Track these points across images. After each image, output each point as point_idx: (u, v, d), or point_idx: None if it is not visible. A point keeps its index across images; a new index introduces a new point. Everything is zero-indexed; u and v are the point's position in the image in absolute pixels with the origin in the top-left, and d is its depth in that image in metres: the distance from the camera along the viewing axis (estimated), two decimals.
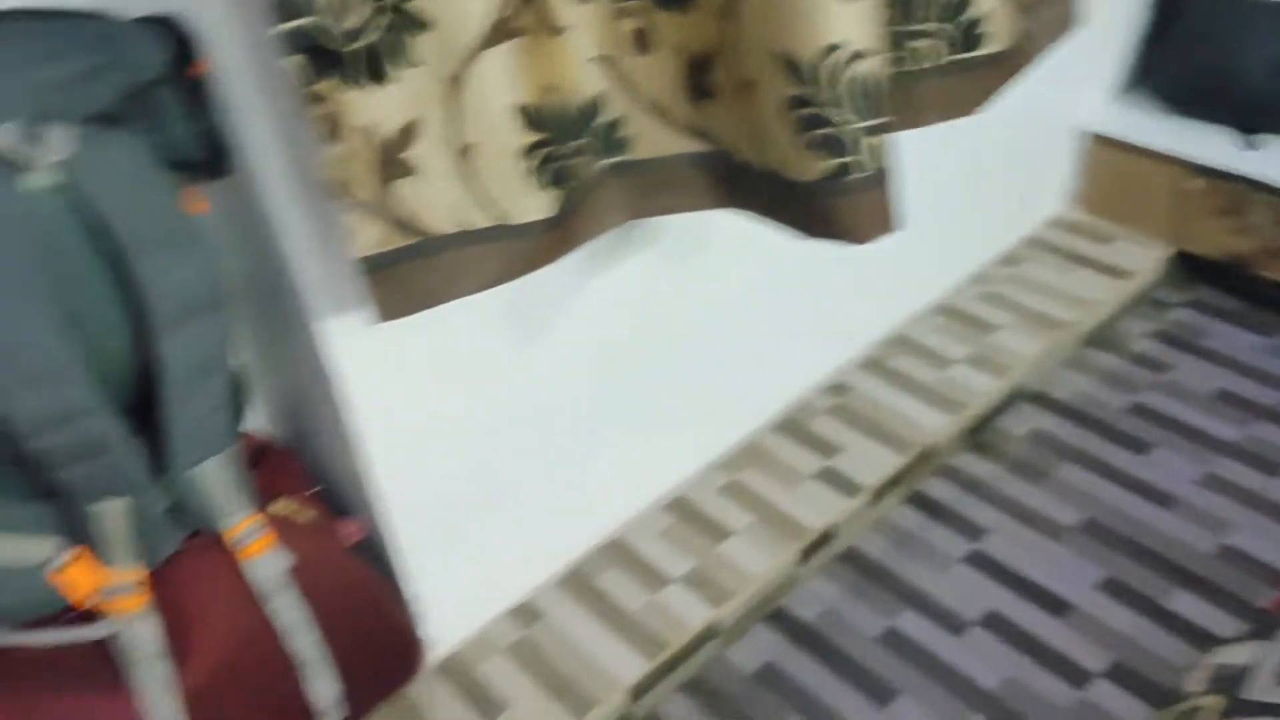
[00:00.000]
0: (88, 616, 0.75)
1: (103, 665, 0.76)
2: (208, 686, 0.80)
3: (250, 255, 0.83)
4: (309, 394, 0.91)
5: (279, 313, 0.85)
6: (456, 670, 1.01)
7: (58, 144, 0.63)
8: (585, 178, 0.76)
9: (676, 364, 1.10)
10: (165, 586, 0.77)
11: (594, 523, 1.12)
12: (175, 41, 0.69)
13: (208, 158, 0.73)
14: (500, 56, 0.69)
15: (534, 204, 0.74)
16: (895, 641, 1.07)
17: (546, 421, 1.01)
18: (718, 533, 1.13)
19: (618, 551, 1.12)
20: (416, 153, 0.68)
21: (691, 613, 1.05)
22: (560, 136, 0.73)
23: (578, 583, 1.09)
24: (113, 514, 0.72)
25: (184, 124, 0.71)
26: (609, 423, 1.07)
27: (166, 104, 0.70)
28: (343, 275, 0.80)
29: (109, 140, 0.65)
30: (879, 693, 1.02)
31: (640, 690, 1.00)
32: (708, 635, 1.05)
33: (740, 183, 0.79)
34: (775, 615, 1.11)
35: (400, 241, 0.70)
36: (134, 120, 0.68)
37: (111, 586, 0.74)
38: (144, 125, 0.68)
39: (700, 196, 0.81)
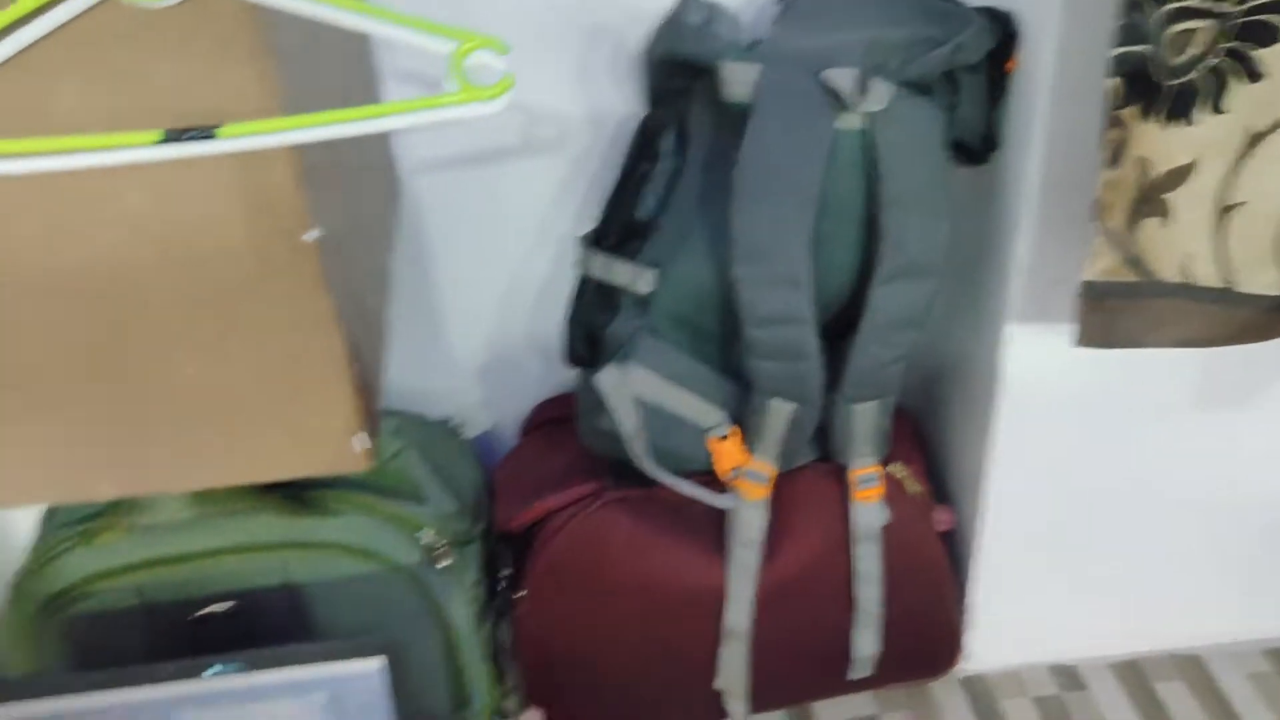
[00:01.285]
0: (717, 486, 0.87)
1: (712, 530, 0.88)
2: (778, 589, 0.89)
3: (967, 236, 0.87)
4: (958, 375, 0.95)
5: (969, 293, 0.90)
6: (979, 693, 1.01)
7: (876, 96, 0.72)
8: None
9: None
10: (783, 490, 0.87)
11: (1174, 627, 1.04)
12: (1002, 35, 0.75)
13: (978, 144, 0.79)
14: None
15: (1272, 278, 0.69)
16: None
17: (1172, 501, 0.95)
18: None
19: (1192, 669, 1.02)
20: (1177, 196, 0.67)
21: None
22: None
23: (1134, 676, 1.02)
24: (778, 412, 0.82)
25: (975, 110, 0.77)
26: (1229, 538, 0.97)
27: (969, 88, 0.76)
28: (1047, 284, 0.82)
29: (915, 104, 0.73)
30: None
31: None
32: None
33: None
34: None
35: (1125, 276, 0.70)
36: (937, 94, 0.75)
37: (746, 469, 0.85)
38: (943, 101, 0.75)
39: None
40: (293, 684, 0.73)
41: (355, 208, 0.74)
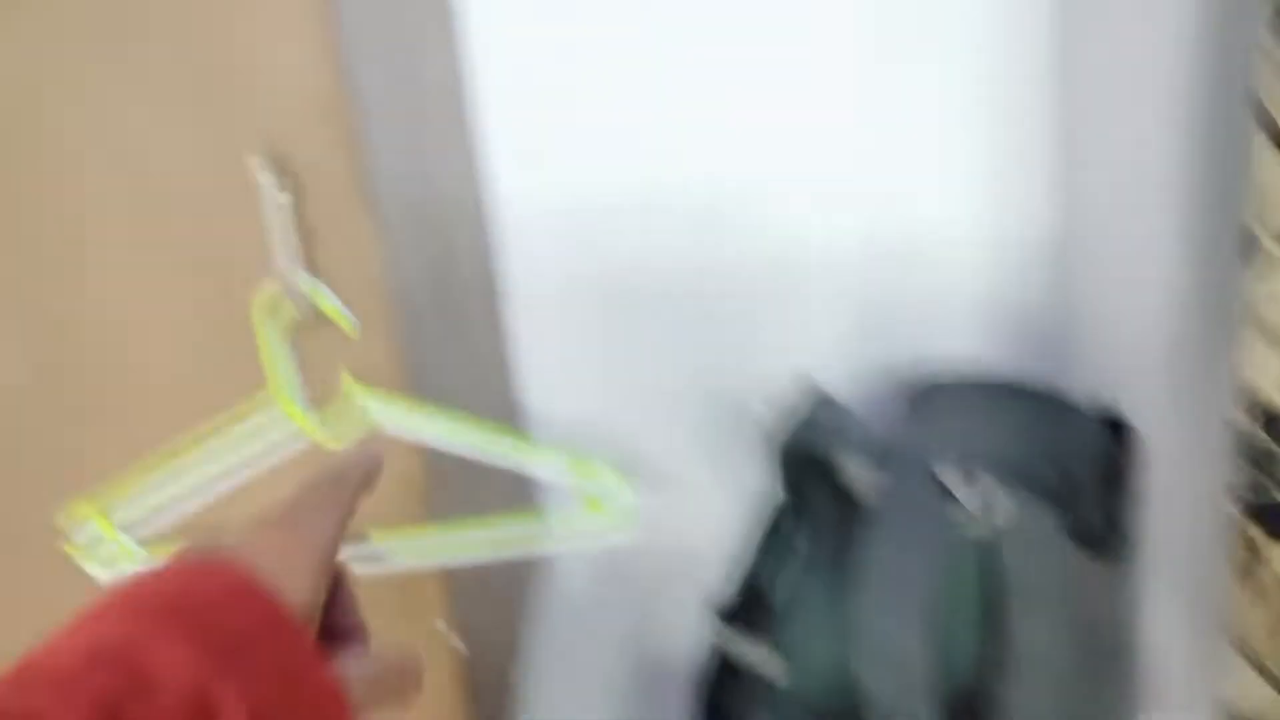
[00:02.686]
0: None
1: None
2: None
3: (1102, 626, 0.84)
4: None
5: (1106, 685, 0.85)
6: None
7: (994, 505, 0.73)
8: None
9: None
10: None
11: None
12: (1117, 436, 0.76)
13: (1100, 545, 0.78)
14: None
15: None
16: None
17: None
18: None
19: None
20: None
21: None
22: None
23: None
24: None
25: (1095, 508, 0.77)
26: None
27: (1087, 486, 0.77)
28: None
29: (1034, 513, 0.74)
30: None
31: None
32: None
33: None
34: None
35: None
36: (1057, 499, 0.76)
37: None
38: (1063, 502, 0.76)
39: None
40: None
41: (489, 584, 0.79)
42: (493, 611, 0.79)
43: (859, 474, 0.79)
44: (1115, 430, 0.77)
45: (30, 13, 0.53)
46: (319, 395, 0.59)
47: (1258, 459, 0.64)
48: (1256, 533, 0.64)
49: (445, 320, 0.70)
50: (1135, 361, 0.82)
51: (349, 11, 0.54)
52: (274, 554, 0.25)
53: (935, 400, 0.84)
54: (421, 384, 0.62)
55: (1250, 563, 0.65)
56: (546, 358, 0.95)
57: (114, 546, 0.60)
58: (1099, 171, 0.83)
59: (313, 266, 0.56)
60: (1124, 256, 0.84)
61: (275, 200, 0.53)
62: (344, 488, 0.28)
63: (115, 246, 0.56)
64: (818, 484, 0.84)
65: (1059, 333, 0.90)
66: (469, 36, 0.85)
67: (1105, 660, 0.85)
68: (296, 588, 0.25)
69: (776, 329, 0.92)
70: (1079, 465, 0.75)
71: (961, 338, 0.91)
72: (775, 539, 0.87)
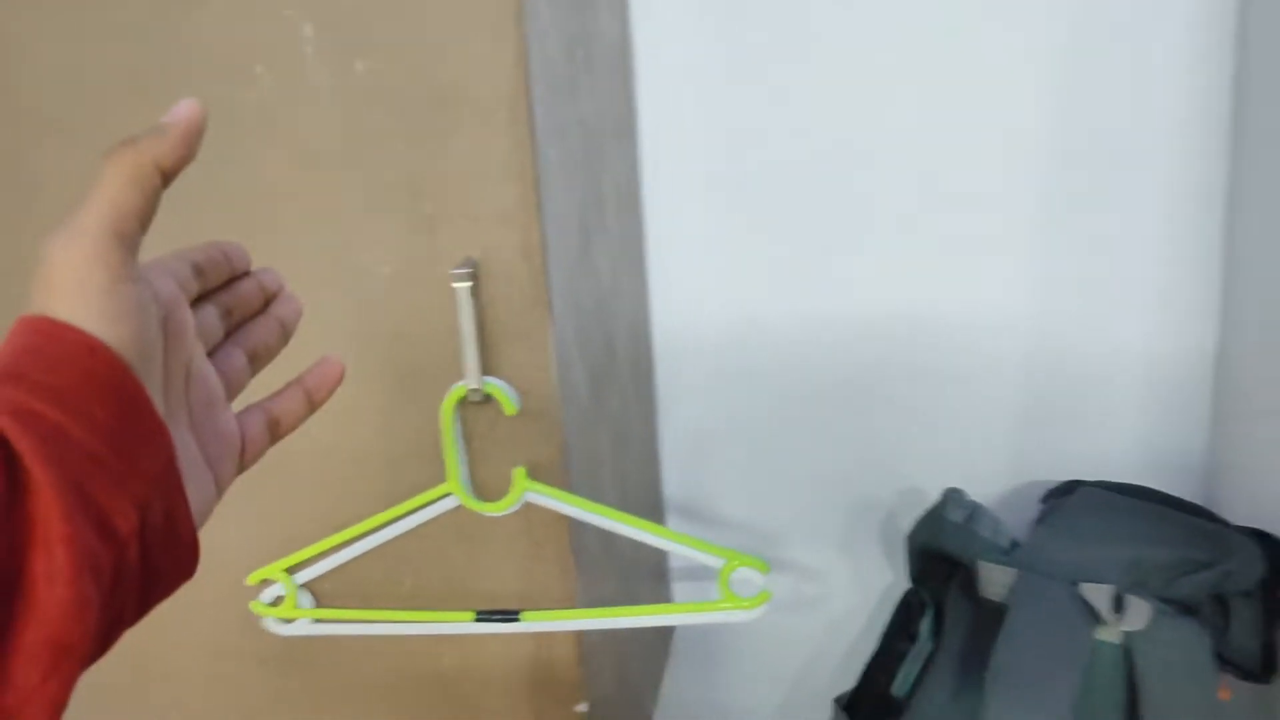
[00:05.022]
0: None
1: None
2: None
3: None
4: None
5: None
6: None
7: (1135, 615, 0.73)
8: None
9: None
10: None
11: None
12: (1275, 560, 0.74)
13: (1256, 667, 0.76)
14: None
15: None
16: None
17: None
18: None
19: None
20: None
21: None
22: None
23: None
24: None
25: (1248, 633, 0.75)
26: None
27: (1239, 611, 0.75)
28: None
29: (1176, 625, 0.73)
30: None
31: None
32: None
33: None
34: None
35: None
36: (1205, 615, 0.75)
37: None
38: (1210, 623, 0.75)
39: None
40: None
41: (626, 672, 0.81)
42: (625, 696, 0.81)
43: (994, 578, 0.79)
44: (1273, 550, 0.75)
45: (276, 139, 0.59)
46: (490, 481, 0.63)
47: None
48: None
49: (603, 411, 0.74)
50: None
51: (541, 118, 0.58)
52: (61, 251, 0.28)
53: (1077, 505, 0.84)
54: (580, 471, 0.66)
55: None
56: (694, 452, 0.98)
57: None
58: (1259, 300, 0.82)
59: (494, 365, 0.60)
60: None
61: (468, 304, 0.57)
62: (129, 154, 0.29)
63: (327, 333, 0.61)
64: (952, 584, 0.85)
65: (1213, 458, 0.89)
66: (645, 150, 0.90)
67: None
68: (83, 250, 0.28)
69: (926, 437, 0.93)
70: (1232, 587, 0.74)
71: (1115, 456, 0.91)
72: (904, 635, 0.87)
